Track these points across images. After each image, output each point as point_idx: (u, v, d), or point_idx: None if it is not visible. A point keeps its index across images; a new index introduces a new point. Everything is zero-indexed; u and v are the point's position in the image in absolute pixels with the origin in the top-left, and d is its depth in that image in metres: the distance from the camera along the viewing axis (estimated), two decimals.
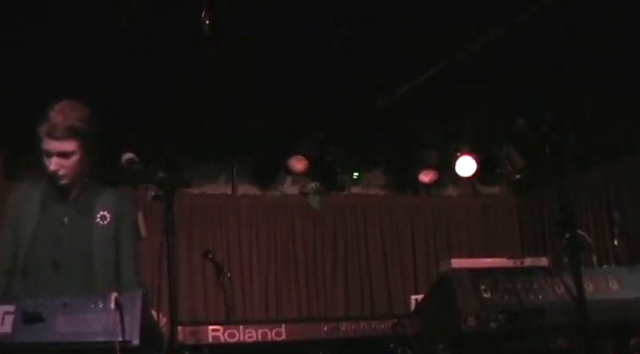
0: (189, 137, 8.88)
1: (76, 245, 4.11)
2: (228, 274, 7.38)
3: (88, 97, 7.04)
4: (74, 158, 4.04)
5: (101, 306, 3.12)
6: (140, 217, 4.52)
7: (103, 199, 4.27)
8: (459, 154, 9.68)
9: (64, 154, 4.01)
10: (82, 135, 4.01)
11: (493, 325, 4.53)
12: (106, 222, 4.20)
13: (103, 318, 3.09)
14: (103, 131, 4.19)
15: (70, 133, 3.98)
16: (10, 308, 3.13)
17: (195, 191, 9.68)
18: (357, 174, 10.29)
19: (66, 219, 4.15)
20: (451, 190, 11.04)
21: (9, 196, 4.26)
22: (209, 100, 8.01)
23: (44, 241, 4.08)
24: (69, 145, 4.00)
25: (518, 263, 5.16)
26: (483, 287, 4.64)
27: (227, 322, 4.73)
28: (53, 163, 4.00)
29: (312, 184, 10.21)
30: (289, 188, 10.30)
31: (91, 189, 4.27)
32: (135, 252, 4.32)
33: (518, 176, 10.24)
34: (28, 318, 3.10)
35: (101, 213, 4.20)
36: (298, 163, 9.60)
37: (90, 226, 4.17)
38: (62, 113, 4.00)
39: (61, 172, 4.04)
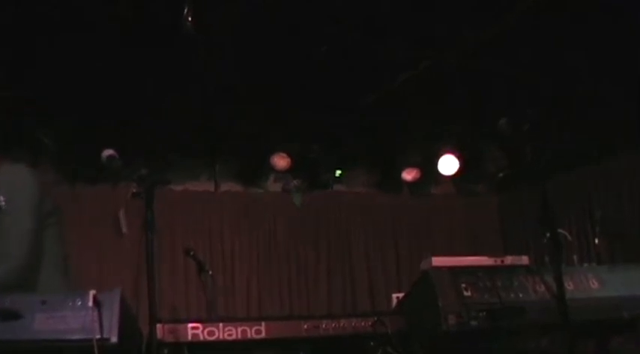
0: (171, 134, 8.85)
1: None
2: (210, 272, 7.34)
3: (70, 94, 7.06)
4: None
5: (79, 303, 3.11)
6: (121, 213, 4.51)
7: (1, 182, 4.00)
8: (441, 152, 9.69)
9: None
10: None
11: (474, 323, 4.54)
12: (2, 205, 3.92)
13: (81, 315, 3.08)
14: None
15: None
16: None
17: (178, 188, 9.65)
18: (339, 172, 10.29)
19: None
20: (434, 189, 11.04)
21: None
22: (192, 97, 8.00)
23: None
24: None
25: (499, 261, 5.17)
26: (464, 285, 4.65)
27: (207, 319, 4.68)
28: None
29: (295, 182, 10.21)
30: (272, 185, 10.28)
31: None
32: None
33: (500, 175, 10.27)
34: (4, 315, 3.08)
35: (1, 199, 3.93)
36: (281, 161, 9.59)
37: None
38: None
39: None
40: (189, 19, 6.32)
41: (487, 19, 6.71)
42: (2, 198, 3.91)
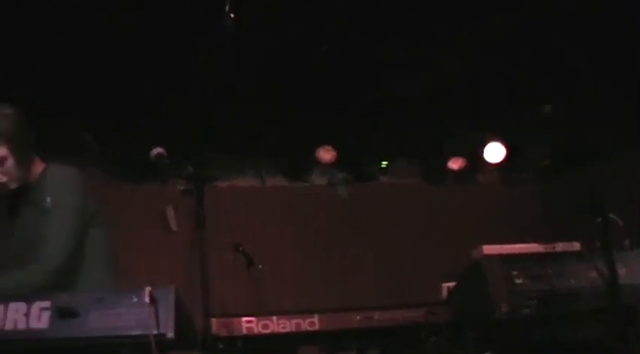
0: (216, 131, 8.90)
1: (34, 242, 3.92)
2: (260, 266, 7.38)
3: (114, 96, 7.11)
4: (8, 162, 3.88)
5: (135, 300, 3.13)
6: (170, 211, 4.54)
7: (49, 183, 4.03)
8: (487, 140, 9.65)
9: None
10: (6, 136, 3.84)
11: (526, 311, 4.52)
12: (51, 206, 3.95)
13: (137, 312, 3.11)
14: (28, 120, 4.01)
15: None
16: (46, 304, 3.15)
17: (224, 184, 9.70)
18: (384, 163, 10.28)
19: (25, 220, 4.03)
20: (480, 177, 10.99)
21: None
22: (235, 94, 8.03)
23: (9, 249, 4.01)
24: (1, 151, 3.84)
25: (549, 248, 5.12)
26: (515, 273, 4.63)
27: (260, 313, 4.73)
28: None
29: (340, 175, 10.22)
30: (318, 179, 10.30)
31: (40, 177, 4.08)
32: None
33: (545, 162, 10.19)
34: (63, 313, 3.12)
35: (48, 199, 3.96)
36: (326, 154, 9.60)
37: (42, 218, 3.95)
38: None
39: (4, 180, 3.91)
40: (231, 15, 6.35)
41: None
42: (48, 199, 3.95)
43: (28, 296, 3.23)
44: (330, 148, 9.61)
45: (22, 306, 3.14)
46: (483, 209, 10.78)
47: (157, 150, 3.94)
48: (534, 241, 5.21)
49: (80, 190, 4.07)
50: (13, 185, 3.93)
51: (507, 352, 4.86)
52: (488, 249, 4.96)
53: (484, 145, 9.77)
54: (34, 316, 3.13)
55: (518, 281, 4.58)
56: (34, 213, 3.97)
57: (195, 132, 8.74)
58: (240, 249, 7.45)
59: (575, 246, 5.18)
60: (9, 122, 3.88)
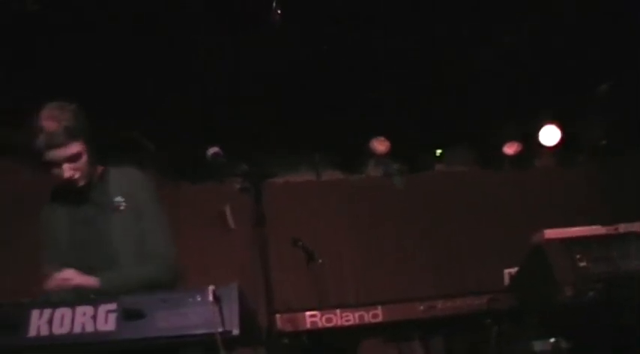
0: (269, 128, 8.93)
1: (101, 241, 4.01)
2: (320, 261, 7.38)
3: (167, 97, 7.16)
4: (83, 158, 3.94)
5: (199, 299, 3.16)
6: (227, 209, 4.56)
7: (114, 184, 4.13)
8: (542, 124, 9.56)
9: (72, 159, 3.90)
10: (79, 133, 3.88)
11: (591, 294, 4.47)
12: (122, 207, 4.05)
13: (202, 311, 3.13)
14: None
15: (70, 135, 3.84)
16: (112, 306, 3.19)
17: (279, 181, 9.74)
18: (439, 151, 10.23)
19: (88, 219, 4.07)
20: (536, 161, 10.88)
21: (39, 218, 4.20)
22: (286, 90, 8.05)
23: (76, 246, 4.04)
24: (74, 148, 3.88)
25: (612, 230, 5.05)
26: (578, 256, 4.58)
27: (324, 307, 4.74)
28: (66, 171, 3.89)
29: (395, 165, 10.20)
30: (373, 170, 10.28)
31: (101, 178, 4.15)
32: (156, 223, 4.12)
33: (602, 143, 10.07)
34: (129, 315, 3.16)
35: (115, 200, 4.06)
36: (380, 145, 9.59)
37: (109, 218, 4.04)
38: (53, 119, 3.83)
39: (77, 176, 3.95)
40: (278, 11, 6.37)
41: None
42: (121, 199, 4.04)
43: (94, 299, 3.28)
44: (383, 139, 9.60)
45: (89, 309, 3.19)
46: (541, 193, 10.66)
47: (213, 149, 3.96)
48: (595, 224, 5.14)
49: (153, 188, 4.20)
50: (82, 182, 3.99)
51: (572, 337, 4.81)
52: (550, 233, 4.92)
53: (539, 129, 9.67)
54: (101, 319, 3.17)
55: (581, 264, 4.54)
56: (100, 212, 4.03)
57: (249, 130, 8.77)
58: (299, 244, 7.46)
59: (638, 226, 5.09)
60: (82, 119, 3.93)
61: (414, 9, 6.87)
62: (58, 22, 6.47)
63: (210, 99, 8.02)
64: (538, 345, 4.79)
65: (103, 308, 3.19)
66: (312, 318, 4.56)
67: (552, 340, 4.77)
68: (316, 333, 4.58)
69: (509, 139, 10.17)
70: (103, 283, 3.76)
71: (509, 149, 10.19)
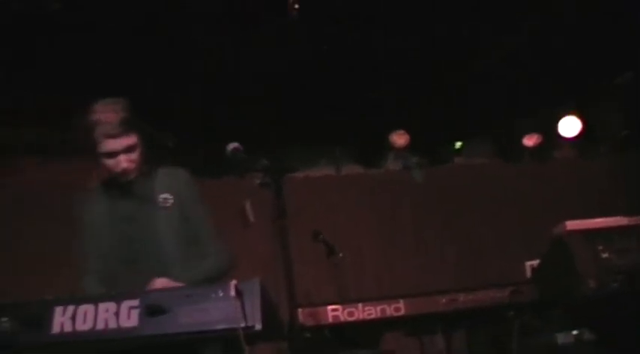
0: (287, 122, 8.93)
1: (146, 237, 4.11)
2: (341, 254, 7.38)
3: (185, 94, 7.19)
4: (138, 151, 4.05)
5: (221, 294, 3.17)
6: (248, 204, 4.56)
7: (160, 181, 4.24)
8: (561, 115, 9.52)
9: (129, 149, 4.01)
10: (135, 125, 3.99)
11: (614, 285, 4.45)
12: (168, 204, 4.16)
13: (224, 306, 3.14)
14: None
15: (127, 126, 3.96)
16: (135, 302, 3.20)
17: (299, 175, 9.73)
18: (459, 144, 10.21)
19: (131, 214, 4.15)
20: (556, 153, 10.82)
21: (75, 208, 4.27)
22: (305, 83, 8.05)
23: (118, 240, 4.11)
24: (130, 139, 3.99)
25: (634, 221, 5.02)
26: (601, 248, 4.56)
27: (345, 301, 4.75)
28: (123, 162, 4.00)
29: (415, 158, 10.18)
30: (392, 164, 10.27)
31: (147, 175, 4.22)
32: (207, 222, 4.35)
33: (623, 133, 10.01)
34: (152, 311, 3.17)
35: (161, 196, 4.17)
36: (399, 138, 9.58)
37: (154, 214, 4.15)
38: (110, 111, 3.95)
39: (132, 168, 4.05)
40: (296, 6, 6.37)
41: None
42: (168, 196, 4.16)
43: (116, 296, 3.29)
44: (402, 132, 9.59)
45: (111, 305, 3.20)
46: (561, 185, 10.60)
47: (233, 145, 3.98)
48: (616, 215, 5.11)
49: (197, 188, 4.39)
50: (132, 175, 4.09)
51: (596, 329, 4.79)
52: (572, 225, 4.89)
53: (559, 120, 9.63)
54: (123, 315, 3.19)
55: (604, 256, 4.52)
56: (144, 208, 4.13)
57: (268, 124, 8.77)
58: (320, 237, 7.45)
59: None
60: (136, 115, 4.04)
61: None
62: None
63: (227, 95, 8.03)
64: (561, 337, 4.78)
65: (125, 304, 3.21)
66: (334, 312, 4.55)
67: (575, 332, 4.75)
68: (338, 327, 4.58)
69: (529, 131, 10.13)
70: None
71: (529, 141, 10.16)
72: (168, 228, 4.12)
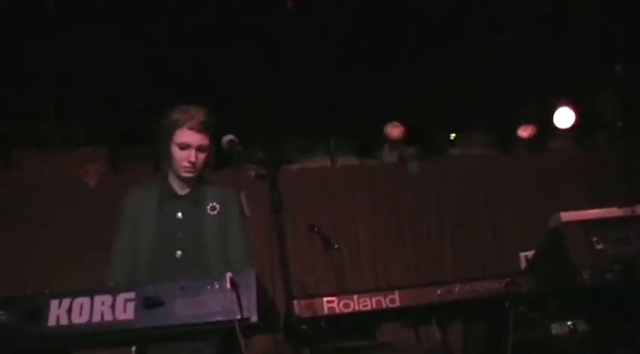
0: (283, 113, 8.92)
1: (191, 237, 4.31)
2: (336, 246, 7.40)
3: (183, 83, 7.19)
4: (206, 154, 4.34)
5: (217, 287, 3.17)
6: (243, 197, 4.59)
7: (212, 191, 4.48)
8: (556, 106, 9.52)
9: (201, 149, 4.29)
10: (212, 133, 4.28)
11: (609, 276, 4.46)
12: (215, 212, 4.39)
13: (220, 298, 3.15)
14: None
15: (208, 128, 4.27)
16: (131, 295, 3.21)
17: (295, 167, 9.73)
18: (454, 135, 10.21)
19: (180, 213, 4.37)
20: (551, 144, 10.83)
21: (124, 200, 4.48)
22: (300, 75, 8.03)
23: (165, 238, 4.30)
24: (206, 140, 4.28)
25: (629, 212, 5.03)
26: (595, 239, 4.57)
27: (341, 292, 4.75)
28: (193, 155, 4.26)
29: (410, 150, 10.18)
30: (388, 155, 10.27)
31: (203, 183, 4.48)
32: (243, 235, 4.51)
33: (619, 124, 10.02)
34: (148, 303, 3.17)
35: (211, 204, 4.41)
36: (394, 130, 9.58)
37: (202, 217, 4.37)
38: (199, 110, 4.27)
39: (198, 165, 4.31)
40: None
41: None
42: (213, 204, 4.42)
43: (112, 288, 3.30)
44: (397, 123, 9.58)
45: (107, 298, 3.21)
46: (557, 176, 10.61)
47: (228, 137, 4.01)
48: (612, 206, 5.12)
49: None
50: (192, 175, 4.37)
51: (591, 320, 4.80)
52: (567, 216, 4.90)
53: (554, 111, 9.63)
54: (119, 308, 3.19)
55: (599, 247, 4.52)
56: (196, 213, 4.39)
57: (263, 116, 8.76)
58: (316, 230, 7.47)
59: None
60: (213, 121, 4.34)
61: None
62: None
63: (227, 84, 8.02)
64: (556, 328, 4.78)
65: (121, 297, 3.22)
66: (329, 303, 4.56)
67: (570, 323, 4.76)
68: (334, 318, 4.59)
69: (525, 121, 10.14)
70: None
71: (524, 132, 10.16)
72: (214, 232, 4.36)
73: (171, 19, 6.74)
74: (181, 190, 4.43)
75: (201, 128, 4.24)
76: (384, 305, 4.64)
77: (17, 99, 7.73)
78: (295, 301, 4.33)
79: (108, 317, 3.18)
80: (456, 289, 4.76)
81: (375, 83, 8.51)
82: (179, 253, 4.25)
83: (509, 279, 4.79)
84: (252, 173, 3.98)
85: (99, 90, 7.67)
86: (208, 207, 4.40)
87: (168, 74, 7.57)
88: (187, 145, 4.25)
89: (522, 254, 6.61)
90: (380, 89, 8.68)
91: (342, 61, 7.89)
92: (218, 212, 4.40)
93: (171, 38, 7.02)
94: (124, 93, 7.68)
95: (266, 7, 6.66)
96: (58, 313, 3.19)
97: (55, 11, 6.36)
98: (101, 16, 6.61)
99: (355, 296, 4.63)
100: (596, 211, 5.02)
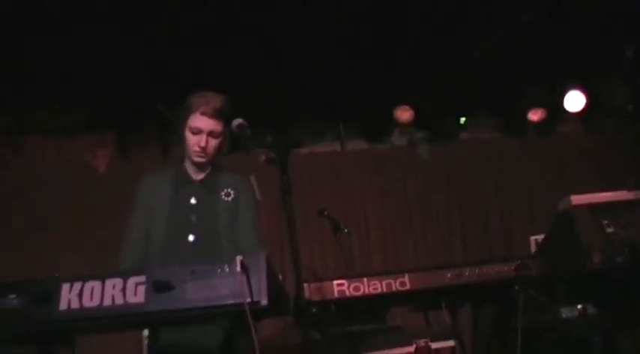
0: (292, 97, 8.91)
1: (205, 222, 4.32)
2: (346, 230, 7.39)
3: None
4: (219, 140, 4.34)
5: (227, 270, 3.17)
6: (253, 179, 4.60)
7: (226, 177, 4.50)
8: (566, 89, 9.48)
9: (214, 134, 4.29)
10: (226, 120, 4.23)
11: (619, 259, 4.45)
12: (230, 198, 4.41)
13: (230, 281, 3.15)
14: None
15: (222, 115, 4.25)
16: (141, 279, 3.21)
17: (304, 151, 9.73)
18: (463, 119, 10.18)
19: (194, 199, 4.38)
20: (561, 128, 10.79)
21: (138, 185, 4.49)
22: (309, 61, 8.02)
23: (178, 222, 4.31)
24: (219, 126, 4.27)
25: (638, 195, 5.02)
26: (606, 222, 4.56)
27: (351, 275, 4.76)
28: (204, 140, 4.27)
29: (420, 134, 10.16)
30: (397, 139, 10.25)
31: (217, 170, 4.50)
32: (254, 222, 4.49)
33: (629, 107, 9.97)
34: (158, 287, 3.18)
35: (225, 190, 4.43)
36: (404, 114, 9.55)
37: (216, 203, 4.38)
38: (215, 96, 4.28)
39: (209, 151, 4.32)
40: None
41: None
42: (228, 190, 4.44)
43: (122, 272, 3.31)
44: (406, 107, 9.56)
45: (118, 282, 3.22)
46: (567, 160, 10.59)
47: (238, 121, 4.01)
48: (621, 189, 5.11)
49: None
50: (205, 160, 4.39)
51: (601, 303, 4.80)
52: (577, 199, 4.89)
53: (564, 95, 9.59)
54: (130, 291, 3.20)
55: (609, 230, 4.52)
56: (211, 199, 4.40)
57: (273, 100, 8.75)
58: (325, 214, 7.46)
59: None
60: (229, 108, 4.33)
61: None
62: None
63: (235, 68, 8.02)
64: (566, 311, 4.79)
65: (132, 281, 3.22)
66: (339, 287, 4.57)
67: (580, 306, 4.76)
68: (344, 302, 4.60)
69: (534, 105, 10.10)
70: None
71: (534, 116, 10.13)
72: (227, 218, 4.36)
73: (171, 19, 6.76)
74: (196, 176, 4.45)
75: (214, 114, 4.24)
76: (394, 288, 4.65)
77: (17, 99, 7.75)
78: (305, 285, 4.35)
79: (119, 301, 3.19)
80: (466, 273, 4.77)
81: (385, 67, 8.49)
82: (192, 237, 4.26)
83: (519, 262, 4.79)
84: (262, 157, 3.99)
85: (99, 90, 7.69)
86: (223, 193, 4.41)
87: (168, 74, 7.58)
88: (199, 130, 4.26)
89: (533, 238, 6.59)
90: (390, 73, 8.66)
91: (353, 45, 7.88)
92: (232, 198, 4.41)
93: (171, 38, 7.05)
94: (124, 93, 7.69)
95: (266, 7, 6.67)
96: (69, 296, 3.20)
97: (55, 11, 6.37)
98: (101, 16, 6.63)
99: (365, 279, 4.64)
100: (607, 194, 5.01)
